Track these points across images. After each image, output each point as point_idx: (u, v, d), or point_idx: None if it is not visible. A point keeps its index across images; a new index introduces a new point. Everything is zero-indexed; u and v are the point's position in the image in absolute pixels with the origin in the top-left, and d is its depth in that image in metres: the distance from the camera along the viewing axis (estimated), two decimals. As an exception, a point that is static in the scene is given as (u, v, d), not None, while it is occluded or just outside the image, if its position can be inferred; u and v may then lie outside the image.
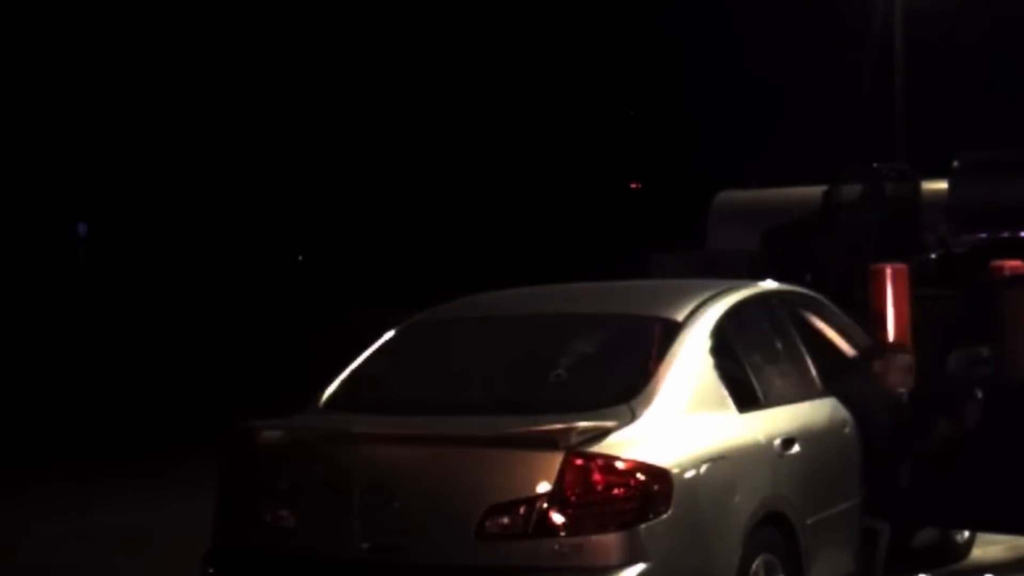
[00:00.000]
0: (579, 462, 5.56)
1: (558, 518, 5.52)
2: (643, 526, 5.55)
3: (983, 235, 26.29)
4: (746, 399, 6.44)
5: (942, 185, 28.29)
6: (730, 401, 6.31)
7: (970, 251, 25.68)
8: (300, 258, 47.89)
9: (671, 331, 6.38)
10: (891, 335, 9.32)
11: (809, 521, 6.52)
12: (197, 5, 43.90)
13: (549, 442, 5.57)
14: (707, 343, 6.40)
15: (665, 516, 5.62)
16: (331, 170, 46.17)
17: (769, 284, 7.59)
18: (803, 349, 7.24)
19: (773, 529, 6.25)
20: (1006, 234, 26.08)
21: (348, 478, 5.85)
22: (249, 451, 6.11)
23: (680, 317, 6.48)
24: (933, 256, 26.44)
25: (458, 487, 5.68)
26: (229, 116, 44.59)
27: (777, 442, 6.45)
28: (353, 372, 6.72)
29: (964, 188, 27.33)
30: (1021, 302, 8.05)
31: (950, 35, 37.66)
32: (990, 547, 8.29)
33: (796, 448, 6.55)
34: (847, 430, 7.13)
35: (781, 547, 6.30)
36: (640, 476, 5.60)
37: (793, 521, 6.38)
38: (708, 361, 6.33)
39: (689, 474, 5.79)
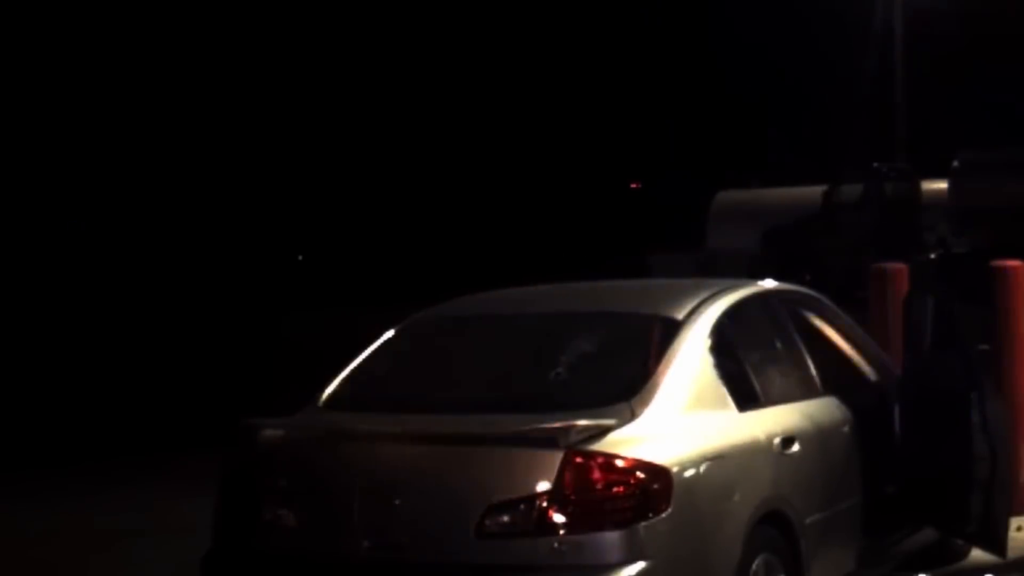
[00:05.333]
0: (579, 460, 5.56)
1: (558, 516, 5.52)
2: (643, 524, 5.56)
3: (983, 235, 26.29)
4: (746, 398, 6.44)
5: (942, 185, 28.30)
6: (730, 400, 6.31)
7: (970, 251, 25.69)
8: (300, 258, 47.89)
9: (671, 330, 6.38)
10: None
11: (809, 520, 6.52)
12: (197, 5, 43.89)
13: (549, 440, 5.58)
14: (707, 342, 6.40)
15: (665, 515, 5.62)
16: (331, 170, 46.16)
17: (769, 284, 7.60)
18: (803, 349, 7.25)
19: (773, 528, 6.25)
20: (1006, 234, 26.07)
21: (348, 477, 5.86)
22: (249, 450, 6.11)
23: (680, 316, 6.49)
24: (933, 256, 26.43)
25: (458, 485, 5.68)
26: (228, 116, 44.57)
27: (777, 441, 6.45)
28: (353, 371, 6.72)
29: (964, 188, 27.33)
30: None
31: (950, 35, 37.66)
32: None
33: (796, 447, 6.55)
34: (847, 429, 7.13)
35: (781, 546, 6.29)
36: (640, 474, 5.60)
37: (793, 520, 6.38)
38: (708, 360, 6.33)
39: (689, 473, 5.79)
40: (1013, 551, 7.76)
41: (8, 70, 40.26)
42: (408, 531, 5.71)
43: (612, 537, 5.52)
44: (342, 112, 46.00)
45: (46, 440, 15.13)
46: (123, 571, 9.18)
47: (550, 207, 45.77)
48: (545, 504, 5.53)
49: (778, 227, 27.83)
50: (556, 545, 5.51)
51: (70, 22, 42.40)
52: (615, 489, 5.58)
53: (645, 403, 5.92)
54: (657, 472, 5.64)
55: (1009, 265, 9.09)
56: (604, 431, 5.67)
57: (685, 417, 6.02)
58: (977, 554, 7.93)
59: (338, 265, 42.21)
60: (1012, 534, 7.93)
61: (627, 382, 6.05)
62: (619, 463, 5.61)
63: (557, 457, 5.56)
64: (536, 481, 5.56)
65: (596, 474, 5.57)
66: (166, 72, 43.59)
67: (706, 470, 5.88)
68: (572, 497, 5.53)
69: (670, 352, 6.23)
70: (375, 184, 46.28)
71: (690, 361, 6.25)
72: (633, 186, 50.85)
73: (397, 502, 5.72)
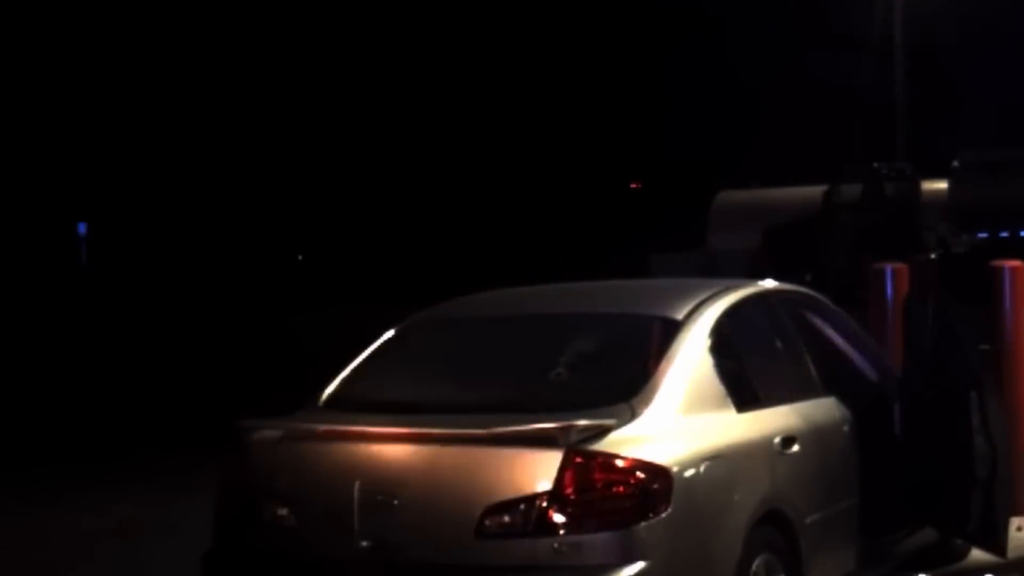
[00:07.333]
0: (579, 460, 5.56)
1: (558, 516, 5.51)
2: (643, 524, 5.55)
3: (983, 235, 26.35)
4: (746, 398, 6.43)
5: (942, 185, 28.32)
6: (730, 400, 6.30)
7: (970, 251, 25.72)
8: (300, 257, 47.93)
9: (671, 330, 6.37)
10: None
11: (809, 520, 6.51)
12: (197, 5, 43.90)
13: (549, 440, 5.57)
14: (707, 342, 6.39)
15: (665, 515, 5.61)
16: (331, 170, 46.20)
17: (769, 284, 7.59)
18: (803, 348, 7.24)
19: (773, 528, 6.24)
20: (1006, 234, 26.13)
21: (348, 477, 5.85)
22: (249, 450, 6.11)
23: (680, 316, 6.48)
24: (933, 256, 26.46)
25: (458, 486, 5.67)
26: (229, 116, 44.59)
27: (777, 441, 6.45)
28: (353, 371, 6.71)
29: (964, 188, 27.36)
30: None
31: (950, 35, 37.68)
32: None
33: (796, 447, 6.54)
34: (847, 429, 7.13)
35: (781, 546, 6.29)
36: (640, 474, 5.60)
37: (793, 520, 6.37)
38: (708, 360, 6.32)
39: (689, 473, 5.78)
40: (1013, 551, 7.75)
41: (9, 72, 40.26)
42: (408, 531, 5.70)
43: (612, 537, 5.52)
44: (342, 113, 46.00)
45: (47, 441, 15.13)
46: (123, 571, 9.17)
47: (550, 207, 45.79)
48: (545, 504, 5.52)
49: (778, 227, 27.84)
50: (556, 545, 5.50)
51: (71, 24, 42.39)
52: (615, 489, 5.57)
53: (645, 403, 5.92)
54: (657, 472, 5.63)
55: (1009, 265, 9.07)
56: (604, 431, 5.66)
57: (685, 417, 6.02)
58: (977, 554, 7.93)
59: (338, 265, 42.24)
60: (1012, 534, 7.93)
61: (627, 382, 6.05)
62: (619, 463, 5.60)
63: (557, 457, 5.55)
64: (536, 481, 5.55)
65: (596, 474, 5.57)
66: (167, 75, 43.58)
67: (706, 470, 5.88)
68: (572, 497, 5.53)
69: (670, 352, 6.22)
70: (375, 184, 46.30)
71: (690, 361, 6.24)
72: (633, 186, 50.87)
73: (396, 502, 5.72)
